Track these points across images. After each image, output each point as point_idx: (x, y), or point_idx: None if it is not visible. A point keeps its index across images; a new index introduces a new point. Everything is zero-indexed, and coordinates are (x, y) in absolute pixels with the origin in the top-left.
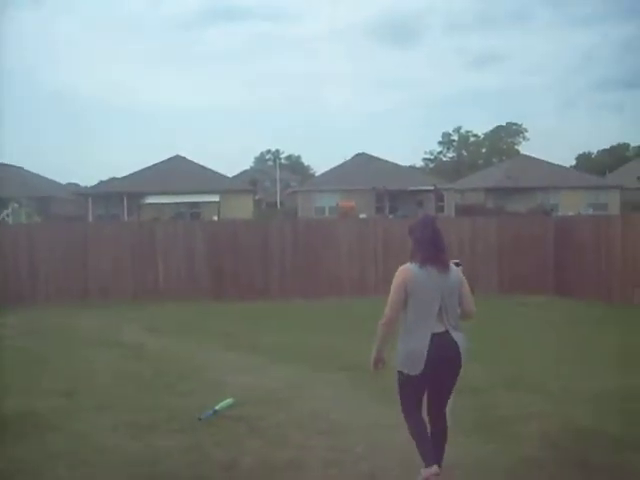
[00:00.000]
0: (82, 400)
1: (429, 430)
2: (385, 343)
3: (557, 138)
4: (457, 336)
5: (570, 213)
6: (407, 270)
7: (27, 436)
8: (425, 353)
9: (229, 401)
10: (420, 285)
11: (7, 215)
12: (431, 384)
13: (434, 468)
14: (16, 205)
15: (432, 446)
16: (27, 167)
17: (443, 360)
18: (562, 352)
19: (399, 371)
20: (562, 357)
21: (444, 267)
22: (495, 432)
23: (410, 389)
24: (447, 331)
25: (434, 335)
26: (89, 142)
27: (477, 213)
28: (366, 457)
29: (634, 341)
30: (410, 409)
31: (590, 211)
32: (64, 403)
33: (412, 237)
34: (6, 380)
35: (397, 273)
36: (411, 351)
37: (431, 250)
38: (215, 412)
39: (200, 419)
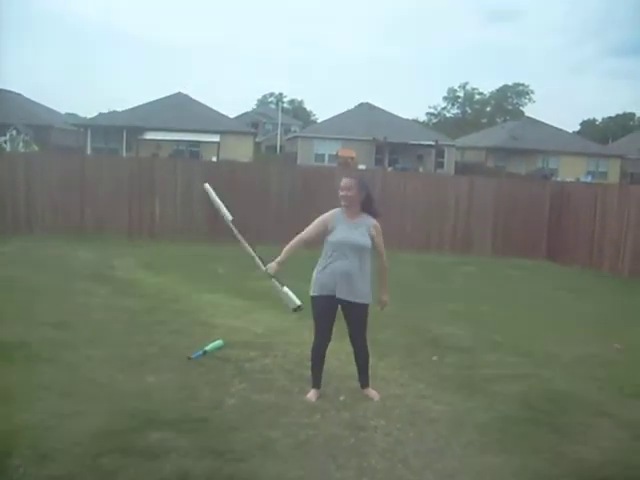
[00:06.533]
0: (74, 333)
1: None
2: None
3: (564, 102)
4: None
5: (569, 179)
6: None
7: (18, 366)
8: None
9: (219, 342)
10: None
11: (4, 142)
12: None
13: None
14: (14, 132)
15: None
16: (26, 94)
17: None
18: (548, 317)
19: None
20: (547, 322)
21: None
22: (476, 390)
23: None
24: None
25: None
26: (91, 71)
27: (476, 172)
28: (349, 405)
29: (618, 310)
30: None
31: (589, 179)
32: (55, 335)
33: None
34: None
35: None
36: None
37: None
38: (205, 352)
39: (190, 358)
